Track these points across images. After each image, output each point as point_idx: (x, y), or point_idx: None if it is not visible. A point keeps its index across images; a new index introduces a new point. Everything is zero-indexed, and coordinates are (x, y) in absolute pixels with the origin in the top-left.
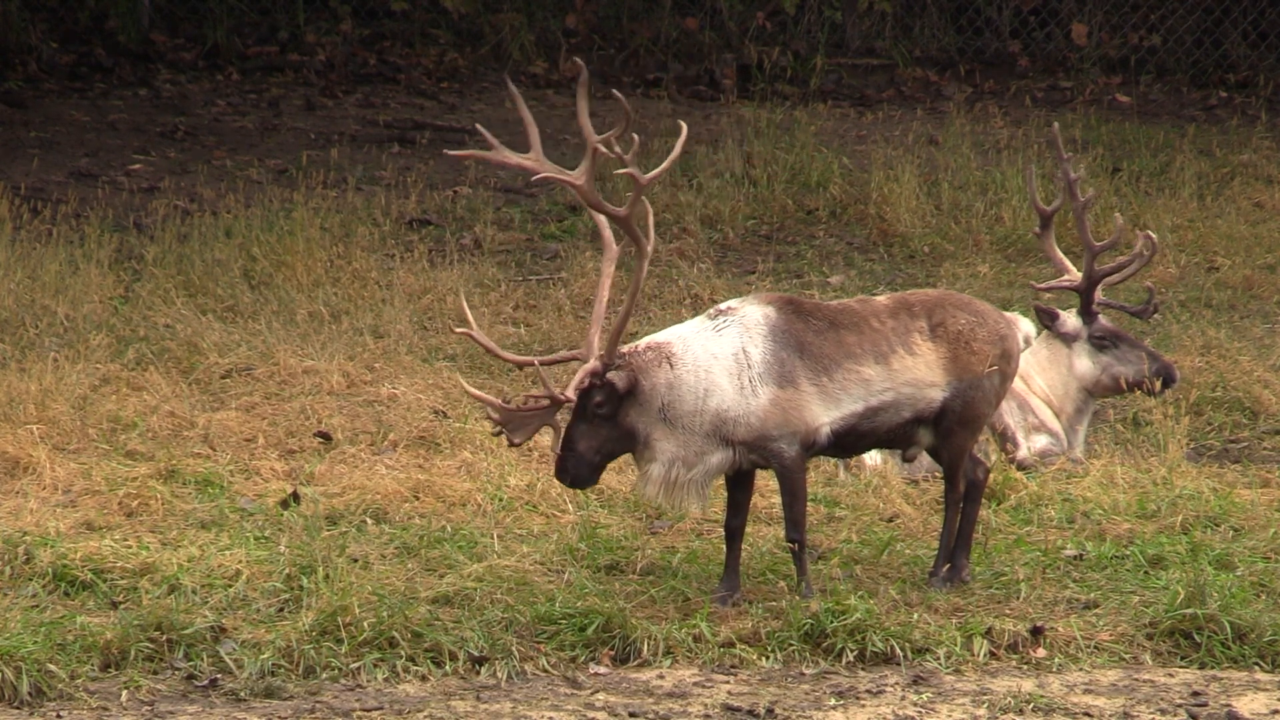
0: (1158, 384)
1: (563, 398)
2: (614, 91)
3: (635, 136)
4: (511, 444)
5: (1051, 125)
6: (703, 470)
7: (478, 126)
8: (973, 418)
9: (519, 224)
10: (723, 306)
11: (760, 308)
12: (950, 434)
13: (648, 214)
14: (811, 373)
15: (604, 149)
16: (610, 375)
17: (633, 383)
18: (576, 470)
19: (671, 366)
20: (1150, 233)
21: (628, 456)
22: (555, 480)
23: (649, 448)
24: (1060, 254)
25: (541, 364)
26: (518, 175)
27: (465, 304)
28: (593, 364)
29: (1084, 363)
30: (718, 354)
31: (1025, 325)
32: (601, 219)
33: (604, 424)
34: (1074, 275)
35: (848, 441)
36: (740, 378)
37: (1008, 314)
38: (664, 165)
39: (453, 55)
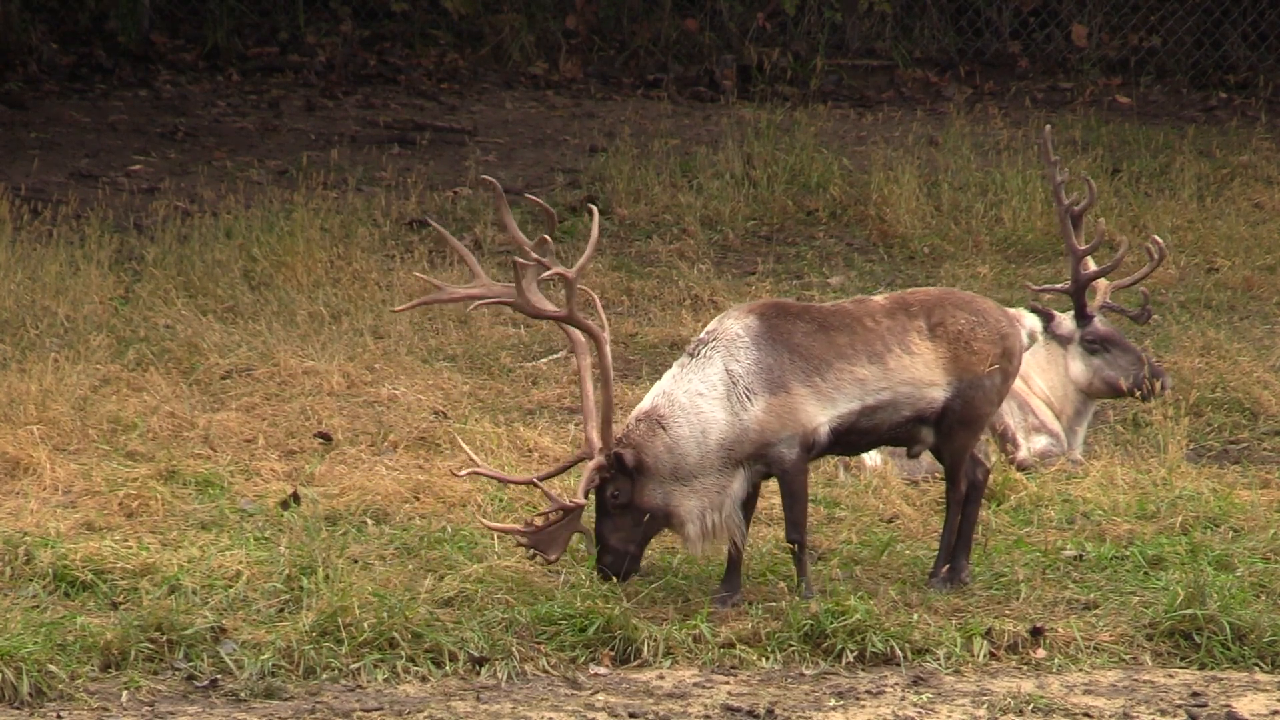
0: (1157, 386)
1: (575, 504)
2: (529, 195)
3: (548, 239)
4: (548, 561)
5: (1045, 127)
6: (731, 503)
7: (416, 274)
8: (974, 417)
9: (519, 225)
10: (703, 333)
11: (740, 320)
12: (951, 433)
13: (594, 302)
14: (803, 374)
15: (525, 261)
16: (618, 455)
17: (638, 460)
18: (616, 565)
19: (665, 429)
20: (1156, 237)
21: None
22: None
23: (675, 515)
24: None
25: (544, 478)
26: (518, 176)
27: (464, 444)
28: (596, 460)
29: (1077, 365)
30: (702, 390)
31: (1029, 322)
32: (561, 326)
33: (626, 511)
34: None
35: (849, 440)
36: (730, 398)
37: (1011, 311)
38: (585, 256)
39: (453, 56)
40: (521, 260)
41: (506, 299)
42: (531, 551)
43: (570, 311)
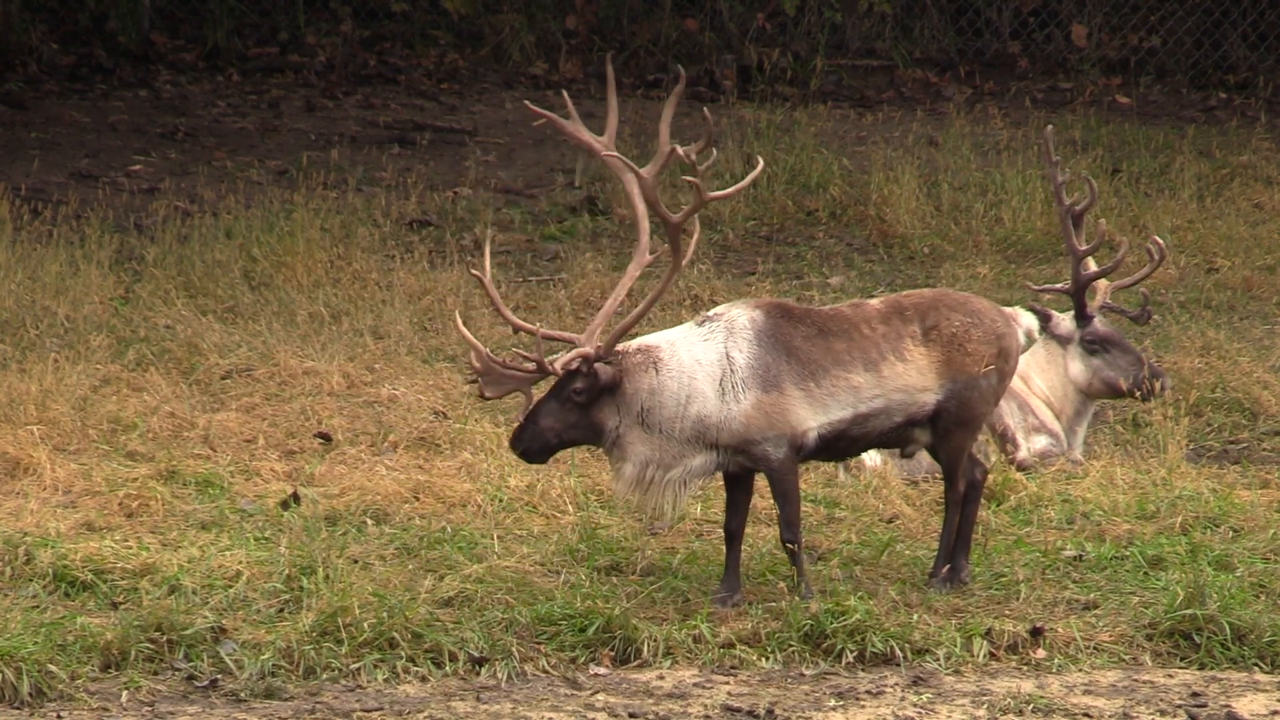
0: (1157, 386)
1: (550, 368)
2: (705, 110)
3: (714, 151)
4: (482, 396)
5: (1046, 127)
6: (683, 472)
7: (564, 93)
8: (970, 418)
9: (519, 225)
10: (711, 313)
11: (748, 312)
12: (948, 434)
13: (695, 230)
14: (798, 377)
15: (681, 154)
16: (598, 366)
17: (616, 380)
18: (531, 444)
19: (657, 372)
20: (1156, 238)
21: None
22: (508, 446)
23: (621, 447)
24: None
25: (544, 336)
26: (518, 176)
27: (488, 249)
28: (587, 349)
29: (1076, 366)
30: (702, 360)
31: (1026, 320)
32: (644, 222)
33: (575, 410)
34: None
35: (839, 446)
36: (723, 383)
37: (1007, 310)
38: (732, 189)
39: (453, 56)
40: (681, 150)
41: (635, 169)
42: (474, 377)
43: (680, 222)
